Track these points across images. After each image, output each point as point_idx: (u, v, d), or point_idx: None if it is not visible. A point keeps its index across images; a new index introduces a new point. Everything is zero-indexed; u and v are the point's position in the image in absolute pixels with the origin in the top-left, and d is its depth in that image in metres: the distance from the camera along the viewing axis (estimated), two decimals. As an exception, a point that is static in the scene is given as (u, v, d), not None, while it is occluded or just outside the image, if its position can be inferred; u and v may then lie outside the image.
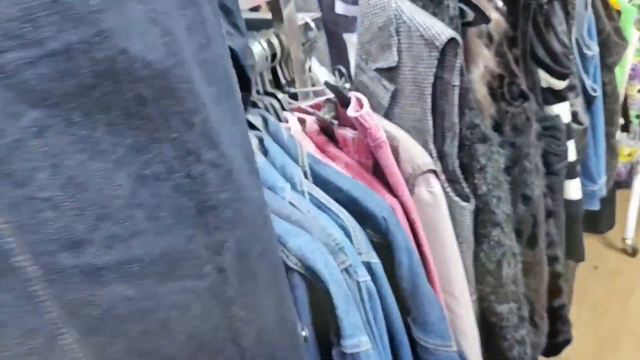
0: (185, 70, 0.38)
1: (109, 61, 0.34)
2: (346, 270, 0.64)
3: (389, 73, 0.88)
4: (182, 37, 0.38)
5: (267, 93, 0.85)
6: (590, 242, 2.25)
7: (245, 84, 0.57)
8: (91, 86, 0.34)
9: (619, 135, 1.75)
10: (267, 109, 0.83)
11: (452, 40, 0.81)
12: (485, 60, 0.90)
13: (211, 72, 0.41)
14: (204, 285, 0.41)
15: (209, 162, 0.40)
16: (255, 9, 0.95)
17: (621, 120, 1.75)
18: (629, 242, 2.39)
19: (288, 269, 0.61)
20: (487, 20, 0.84)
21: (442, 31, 0.80)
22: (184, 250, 0.40)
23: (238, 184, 0.42)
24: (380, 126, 0.76)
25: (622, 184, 1.94)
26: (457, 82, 0.84)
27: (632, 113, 1.86)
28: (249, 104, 0.70)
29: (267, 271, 0.46)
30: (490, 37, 0.91)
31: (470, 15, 0.85)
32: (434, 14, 0.84)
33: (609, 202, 1.76)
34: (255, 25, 0.86)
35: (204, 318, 0.42)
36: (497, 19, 0.90)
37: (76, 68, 0.33)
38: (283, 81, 0.86)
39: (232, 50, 0.52)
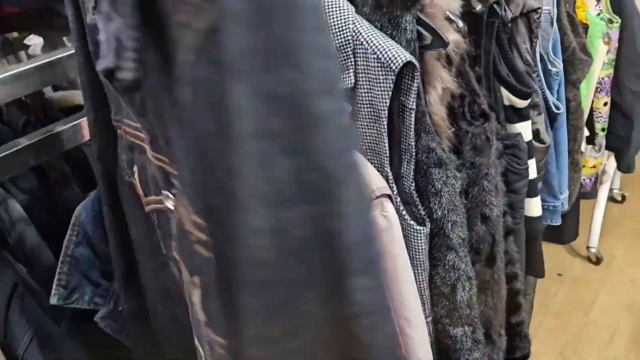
0: None
1: None
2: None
3: (347, 94, 0.87)
4: None
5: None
6: (554, 250, 2.28)
7: None
8: None
9: (584, 147, 1.76)
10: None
11: (408, 63, 0.79)
12: (444, 82, 0.89)
13: None
14: None
15: None
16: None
17: (586, 132, 1.75)
18: (593, 250, 2.43)
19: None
20: (444, 44, 0.83)
21: (399, 54, 0.79)
22: None
23: None
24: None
25: (587, 195, 1.95)
26: (413, 105, 0.83)
27: (598, 126, 1.88)
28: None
29: None
30: (449, 59, 0.90)
31: (428, 38, 0.84)
32: (392, 36, 0.83)
33: (572, 214, 1.77)
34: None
35: None
36: (456, 40, 0.88)
37: None
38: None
39: None
